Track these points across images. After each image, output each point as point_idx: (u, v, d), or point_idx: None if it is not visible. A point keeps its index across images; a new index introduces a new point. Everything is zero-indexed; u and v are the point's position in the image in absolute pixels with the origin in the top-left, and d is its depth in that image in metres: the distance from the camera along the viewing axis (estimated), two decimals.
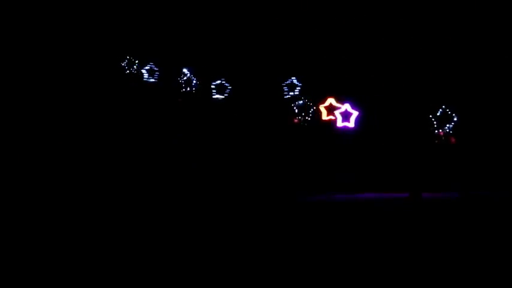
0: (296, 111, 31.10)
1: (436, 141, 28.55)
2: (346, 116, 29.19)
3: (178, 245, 13.73)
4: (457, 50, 29.27)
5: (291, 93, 32.62)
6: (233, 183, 25.62)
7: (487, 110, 28.42)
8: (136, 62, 36.08)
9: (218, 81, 32.82)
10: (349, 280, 10.63)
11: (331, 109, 29.41)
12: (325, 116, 29.76)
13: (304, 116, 30.82)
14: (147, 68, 35.33)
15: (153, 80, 34.94)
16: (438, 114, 28.76)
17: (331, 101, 29.73)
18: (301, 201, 22.86)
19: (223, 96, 32.79)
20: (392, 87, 29.90)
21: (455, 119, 28.53)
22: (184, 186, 24.88)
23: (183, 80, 33.92)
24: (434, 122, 28.69)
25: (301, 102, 31.22)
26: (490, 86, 28.96)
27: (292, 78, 32.78)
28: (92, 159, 26.65)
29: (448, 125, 28.50)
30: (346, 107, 29.37)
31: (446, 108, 28.67)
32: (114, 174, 25.62)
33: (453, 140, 28.38)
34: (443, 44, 29.41)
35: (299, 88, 32.49)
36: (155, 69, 35.12)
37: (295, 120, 31.12)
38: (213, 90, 32.85)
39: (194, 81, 33.70)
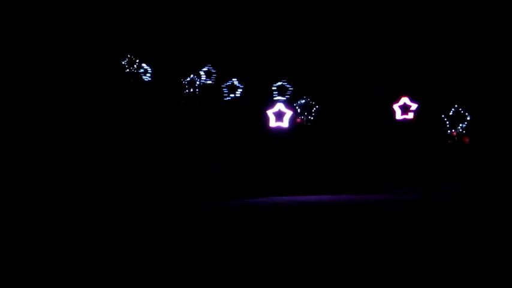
0: (299, 110, 29.56)
1: (449, 141, 26.86)
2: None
3: None
4: (470, 48, 27.64)
5: (232, 95, 31.03)
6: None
7: (501, 109, 26.73)
8: (137, 60, 34.75)
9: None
10: None
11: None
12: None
13: (307, 116, 29.28)
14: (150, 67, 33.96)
15: (151, 79, 33.47)
16: (451, 113, 27.10)
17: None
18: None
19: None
20: (403, 86, 28.31)
21: (468, 118, 26.87)
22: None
23: (187, 81, 32.35)
24: (447, 122, 27.02)
25: (303, 101, 29.62)
26: (503, 85, 27.28)
27: (233, 79, 31.07)
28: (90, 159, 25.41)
29: (461, 125, 26.82)
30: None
31: (459, 107, 27.02)
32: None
33: (467, 139, 26.68)
34: (455, 42, 27.79)
35: (241, 90, 30.95)
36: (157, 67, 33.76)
37: (299, 120, 29.55)
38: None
39: (198, 82, 32.06)
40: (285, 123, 26.97)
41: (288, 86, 29.77)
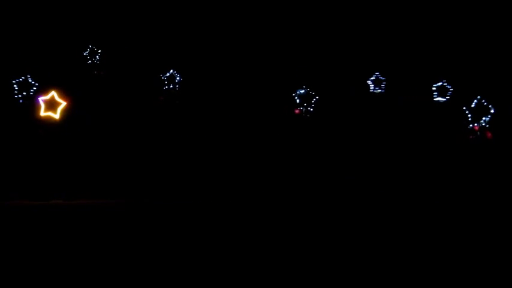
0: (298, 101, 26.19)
1: (471, 137, 24.06)
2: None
3: None
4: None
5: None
6: None
7: None
8: (99, 51, 30.90)
9: None
10: None
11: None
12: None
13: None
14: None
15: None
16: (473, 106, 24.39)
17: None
18: None
19: None
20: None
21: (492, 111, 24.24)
22: None
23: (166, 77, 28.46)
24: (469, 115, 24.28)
25: (303, 91, 26.25)
26: None
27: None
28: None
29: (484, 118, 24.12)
30: None
31: (482, 99, 24.35)
32: None
33: (489, 135, 23.95)
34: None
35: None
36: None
37: (297, 111, 26.17)
38: None
39: (178, 78, 28.18)
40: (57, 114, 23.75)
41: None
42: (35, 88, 26.45)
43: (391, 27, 26.09)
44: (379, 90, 26.08)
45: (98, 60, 31.09)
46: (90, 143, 24.46)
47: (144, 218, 17.32)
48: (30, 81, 26.51)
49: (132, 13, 29.15)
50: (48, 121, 23.83)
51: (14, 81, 26.68)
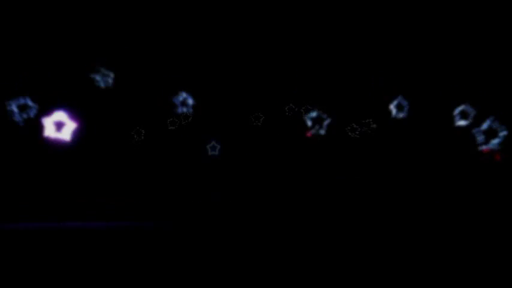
0: (310, 123, 25.73)
1: (480, 159, 24.92)
2: None
3: None
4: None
5: None
6: None
7: None
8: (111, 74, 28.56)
9: None
10: None
11: None
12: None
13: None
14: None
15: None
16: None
17: None
18: None
19: None
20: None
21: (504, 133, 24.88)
22: None
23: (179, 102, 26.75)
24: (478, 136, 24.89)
25: (315, 114, 25.70)
26: None
27: None
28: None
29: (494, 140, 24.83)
30: None
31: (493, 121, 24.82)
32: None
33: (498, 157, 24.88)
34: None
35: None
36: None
37: (309, 134, 25.83)
38: None
39: (191, 102, 26.54)
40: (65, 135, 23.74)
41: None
42: (36, 109, 25.39)
43: (415, 49, 25.17)
44: (402, 115, 25.62)
45: (111, 83, 28.94)
46: (100, 165, 24.08)
47: (163, 242, 17.49)
48: (29, 103, 25.24)
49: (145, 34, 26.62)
50: (58, 144, 23.32)
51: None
